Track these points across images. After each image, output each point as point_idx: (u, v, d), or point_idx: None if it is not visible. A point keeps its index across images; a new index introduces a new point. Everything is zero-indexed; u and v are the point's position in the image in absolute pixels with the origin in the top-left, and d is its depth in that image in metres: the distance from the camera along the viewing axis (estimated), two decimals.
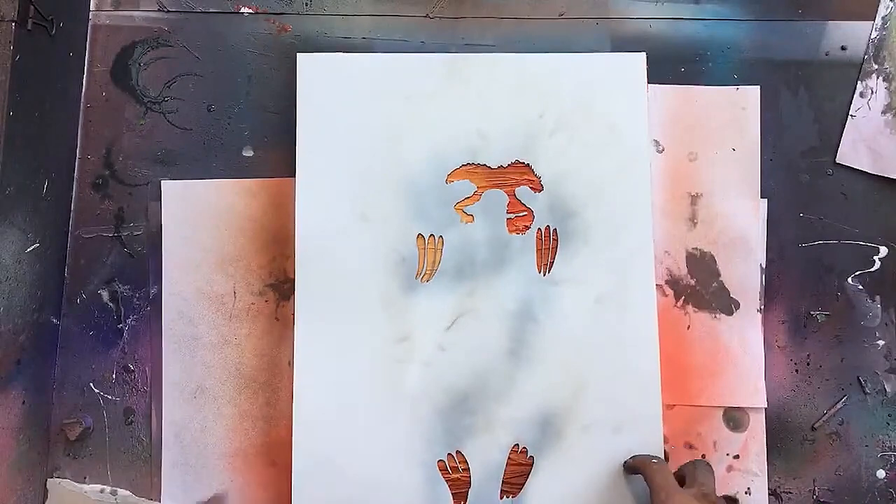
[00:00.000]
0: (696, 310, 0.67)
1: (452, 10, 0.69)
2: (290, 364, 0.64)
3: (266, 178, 0.67)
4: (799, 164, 0.69)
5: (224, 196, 0.67)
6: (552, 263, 0.65)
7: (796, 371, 0.67)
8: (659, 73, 0.68)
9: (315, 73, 0.66)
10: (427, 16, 0.70)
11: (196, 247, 0.67)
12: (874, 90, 0.68)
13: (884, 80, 0.68)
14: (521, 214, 0.65)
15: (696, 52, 0.69)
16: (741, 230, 0.67)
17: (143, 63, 0.69)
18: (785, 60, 0.69)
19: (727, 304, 0.67)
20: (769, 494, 0.65)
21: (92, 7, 0.69)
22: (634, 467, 0.61)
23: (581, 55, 0.67)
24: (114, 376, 0.66)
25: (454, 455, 0.63)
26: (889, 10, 0.69)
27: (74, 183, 0.68)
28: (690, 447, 0.65)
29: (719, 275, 0.67)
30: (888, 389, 0.67)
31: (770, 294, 0.67)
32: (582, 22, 0.70)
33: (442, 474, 0.63)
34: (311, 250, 0.64)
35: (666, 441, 0.64)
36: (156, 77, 0.68)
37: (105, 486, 0.65)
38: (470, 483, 0.63)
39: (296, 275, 0.64)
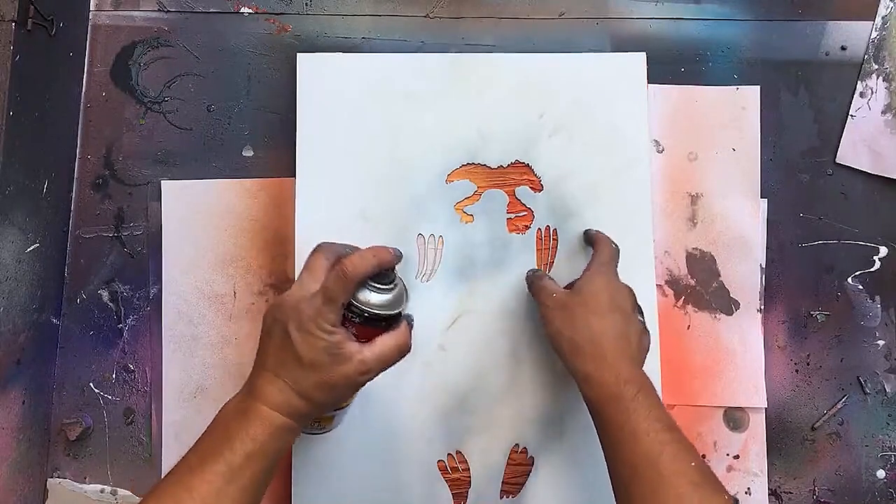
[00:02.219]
0: (696, 310, 0.67)
1: (452, 10, 0.69)
2: None
3: (266, 178, 0.67)
4: (799, 164, 0.69)
5: (224, 196, 0.67)
6: (552, 263, 0.65)
7: (796, 371, 0.67)
8: (659, 73, 0.68)
9: (315, 73, 0.66)
10: (427, 16, 0.69)
11: (196, 247, 0.67)
12: (874, 90, 0.68)
13: (884, 80, 0.68)
14: (521, 214, 0.65)
15: (696, 52, 0.69)
16: (741, 230, 0.67)
17: (143, 63, 0.69)
18: (785, 60, 0.69)
19: (727, 304, 0.67)
20: (769, 494, 0.65)
21: (92, 7, 0.69)
22: (530, 281, 0.61)
23: (581, 55, 0.67)
24: (114, 376, 0.66)
25: (454, 455, 0.63)
26: (889, 10, 0.69)
27: (74, 183, 0.68)
28: None
29: (719, 275, 0.67)
30: (888, 389, 0.67)
31: (770, 294, 0.67)
32: (582, 22, 0.70)
33: (442, 474, 0.63)
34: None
35: None
36: (156, 77, 0.68)
37: (105, 486, 0.65)
38: (470, 483, 0.63)
39: (296, 275, 0.63)
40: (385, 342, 0.49)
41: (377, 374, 0.49)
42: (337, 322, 0.47)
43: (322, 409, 0.50)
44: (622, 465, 0.49)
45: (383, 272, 0.50)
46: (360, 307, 0.49)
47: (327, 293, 0.47)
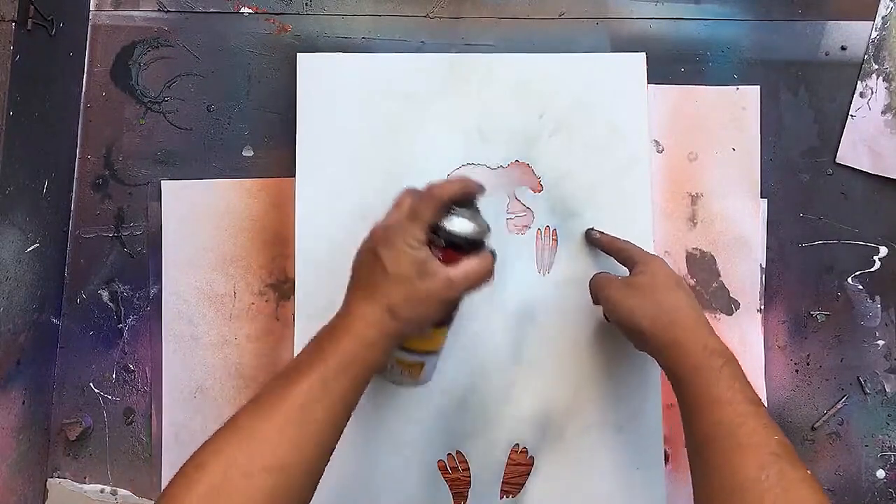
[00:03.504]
0: None
1: (452, 10, 0.69)
2: None
3: (266, 178, 0.67)
4: (799, 164, 0.69)
5: (224, 196, 0.67)
6: (552, 263, 0.65)
7: (796, 371, 0.67)
8: (659, 73, 0.68)
9: (315, 73, 0.66)
10: (427, 16, 0.70)
11: (196, 247, 0.67)
12: (874, 90, 0.68)
13: (884, 80, 0.68)
14: (521, 214, 0.65)
15: (696, 52, 0.69)
16: (741, 230, 0.67)
17: (143, 63, 0.69)
18: (785, 60, 0.69)
19: (727, 304, 0.67)
20: None
21: (92, 7, 0.69)
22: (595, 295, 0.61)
23: (581, 55, 0.67)
24: (114, 376, 0.66)
25: (454, 455, 0.63)
26: (889, 10, 0.69)
27: (74, 183, 0.68)
28: None
29: (719, 275, 0.67)
30: (888, 389, 0.67)
31: (770, 294, 0.67)
32: (582, 22, 0.70)
33: (442, 474, 0.63)
34: (311, 250, 0.64)
35: (666, 441, 0.64)
36: (156, 77, 0.68)
37: (105, 486, 0.65)
38: (470, 483, 0.63)
39: (296, 275, 0.64)
40: (470, 263, 0.51)
41: (461, 295, 0.52)
42: (423, 240, 0.49)
43: (410, 327, 0.50)
44: (700, 433, 0.48)
45: (468, 202, 0.52)
46: (446, 231, 0.51)
47: (413, 212, 0.50)
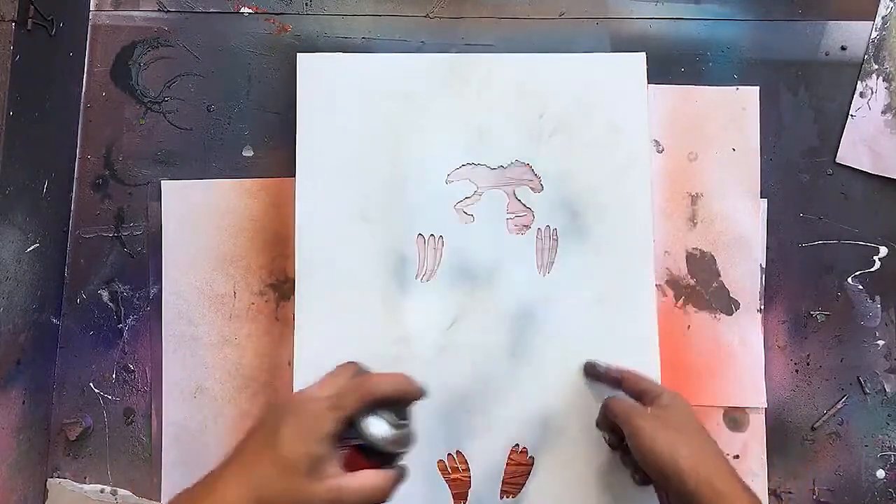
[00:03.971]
0: (696, 310, 0.67)
1: (452, 10, 0.69)
2: (290, 364, 0.64)
3: (266, 178, 0.67)
4: (799, 164, 0.69)
5: (224, 196, 0.67)
6: (552, 263, 0.65)
7: (796, 371, 0.67)
8: (659, 73, 0.68)
9: (315, 73, 0.66)
10: (427, 16, 0.70)
11: (196, 247, 0.67)
12: (874, 90, 0.68)
13: (884, 80, 0.68)
14: (521, 214, 0.65)
15: (696, 52, 0.69)
16: (741, 230, 0.67)
17: (143, 63, 0.69)
18: (785, 60, 0.69)
19: (727, 304, 0.67)
20: (769, 494, 0.65)
21: (92, 7, 0.69)
22: (609, 422, 0.57)
23: (581, 55, 0.67)
24: (114, 376, 0.66)
25: (454, 455, 0.63)
26: (889, 10, 0.69)
27: (74, 183, 0.68)
28: None
29: (719, 275, 0.67)
30: (888, 389, 0.67)
31: (770, 294, 0.67)
32: (582, 22, 0.70)
33: (442, 474, 0.63)
34: (311, 250, 0.64)
35: None
36: (156, 77, 0.68)
37: (105, 486, 0.65)
38: (470, 483, 0.63)
39: (296, 275, 0.64)
40: (367, 477, 0.44)
41: None
42: (332, 434, 0.44)
43: None
44: None
45: (401, 406, 0.47)
46: (358, 430, 0.45)
47: (336, 400, 0.45)
